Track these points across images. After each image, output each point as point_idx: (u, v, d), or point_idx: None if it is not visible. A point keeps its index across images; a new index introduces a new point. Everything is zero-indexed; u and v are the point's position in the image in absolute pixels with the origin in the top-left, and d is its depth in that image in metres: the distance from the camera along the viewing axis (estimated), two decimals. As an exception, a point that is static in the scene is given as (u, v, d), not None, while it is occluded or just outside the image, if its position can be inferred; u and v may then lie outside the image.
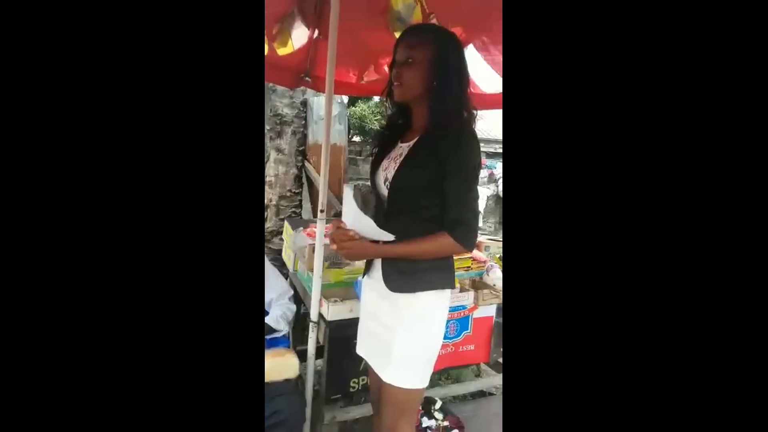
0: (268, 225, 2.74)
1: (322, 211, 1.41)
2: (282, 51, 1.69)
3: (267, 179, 2.75)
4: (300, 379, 1.44)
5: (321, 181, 1.45)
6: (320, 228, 1.38)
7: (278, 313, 1.49)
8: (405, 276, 1.01)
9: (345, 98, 3.77)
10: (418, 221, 0.98)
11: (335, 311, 1.46)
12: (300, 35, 1.71)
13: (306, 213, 2.89)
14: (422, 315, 1.02)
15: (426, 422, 1.61)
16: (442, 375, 2.02)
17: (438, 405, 1.68)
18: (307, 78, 1.96)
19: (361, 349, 1.16)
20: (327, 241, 1.25)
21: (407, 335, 1.02)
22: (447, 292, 1.05)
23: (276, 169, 2.73)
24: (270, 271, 1.58)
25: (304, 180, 2.86)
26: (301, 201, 2.87)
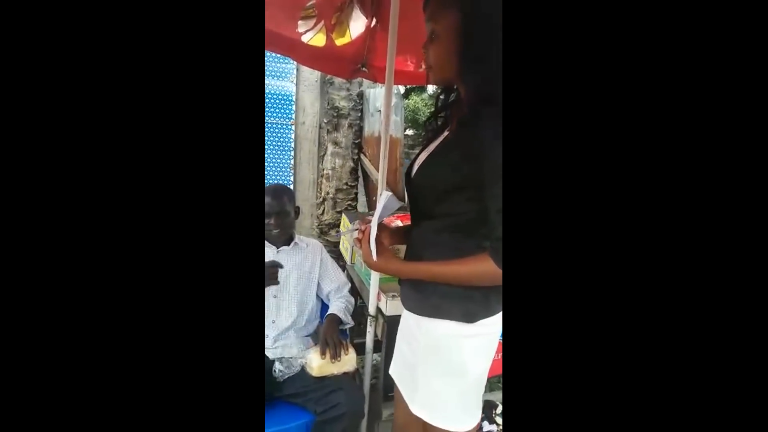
0: (325, 217, 2.77)
1: (380, 204, 1.37)
2: (340, 41, 1.67)
3: (324, 172, 2.77)
4: (358, 373, 1.43)
5: (380, 171, 1.41)
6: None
7: (341, 306, 1.48)
8: (419, 294, 0.83)
9: (402, 89, 3.72)
10: (440, 231, 0.80)
11: (393, 306, 1.43)
12: (358, 24, 1.68)
13: (361, 206, 2.88)
14: (442, 346, 0.82)
15: (487, 426, 1.54)
16: (501, 378, 1.93)
17: (499, 409, 1.60)
18: (364, 68, 1.93)
19: (392, 370, 0.99)
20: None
21: (429, 365, 0.84)
22: (477, 326, 0.80)
23: (333, 162, 2.75)
24: (328, 262, 1.57)
25: (359, 173, 2.86)
26: (356, 194, 2.87)
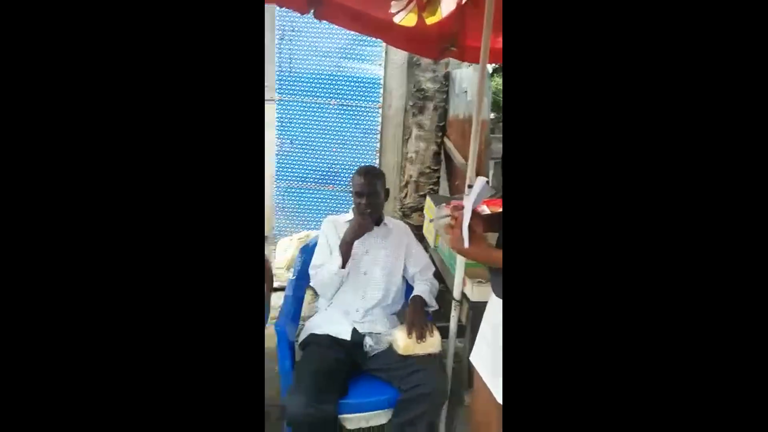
0: (408, 201, 2.79)
1: (470, 187, 1.34)
2: (430, 20, 1.63)
3: (408, 155, 2.78)
4: (440, 356, 1.43)
5: (471, 155, 1.37)
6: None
7: (426, 288, 1.49)
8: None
9: (490, 68, 3.56)
10: None
11: (479, 292, 1.40)
12: (449, 2, 1.63)
13: (443, 190, 2.85)
14: None
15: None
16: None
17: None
18: (452, 48, 1.88)
19: (474, 356, 0.99)
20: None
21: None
22: None
23: (417, 146, 2.74)
24: (414, 244, 1.59)
25: (442, 157, 2.82)
26: (438, 178, 2.84)
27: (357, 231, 1.39)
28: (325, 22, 1.58)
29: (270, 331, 1.48)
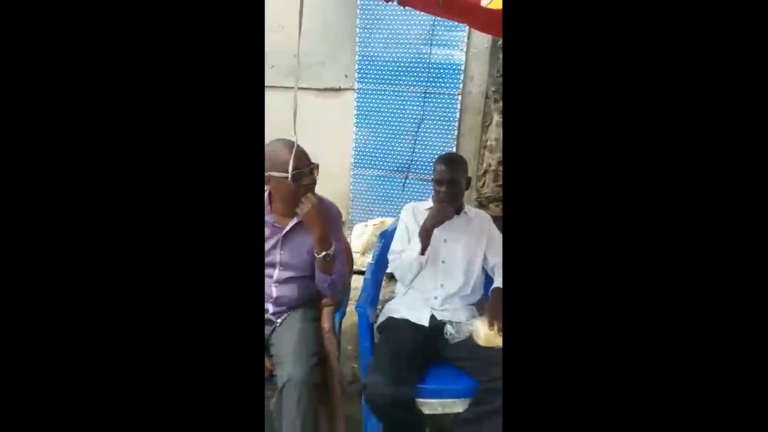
0: (485, 190, 2.71)
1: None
2: (493, 5, 1.56)
3: (487, 143, 2.70)
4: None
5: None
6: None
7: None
8: None
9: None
10: None
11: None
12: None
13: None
14: None
15: None
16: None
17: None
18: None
19: None
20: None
21: None
22: None
23: (497, 133, 2.65)
24: (495, 235, 1.55)
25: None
26: (519, 167, 2.72)
27: (437, 218, 1.38)
28: (408, 8, 1.57)
29: (342, 312, 1.54)
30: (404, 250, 1.46)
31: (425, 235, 1.39)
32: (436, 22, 2.55)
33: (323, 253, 1.27)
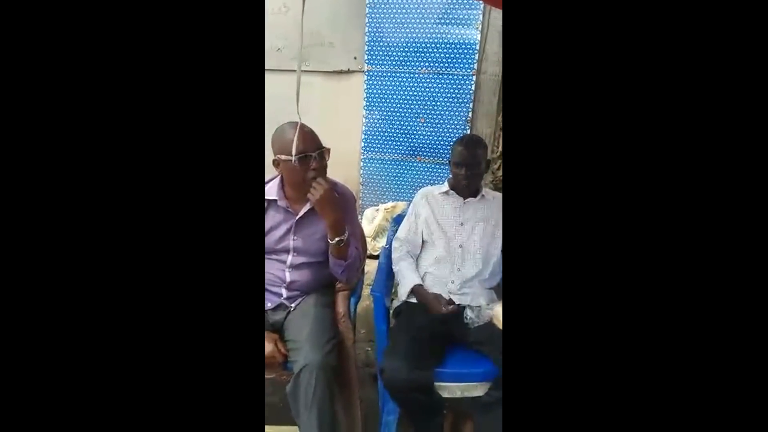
0: (501, 173, 2.66)
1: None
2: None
3: (502, 126, 2.63)
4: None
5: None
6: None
7: None
8: None
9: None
10: None
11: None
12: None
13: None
14: None
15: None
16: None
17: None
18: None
19: None
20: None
21: None
22: None
23: (511, 115, 2.58)
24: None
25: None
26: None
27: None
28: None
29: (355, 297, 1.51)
30: (408, 239, 1.47)
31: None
32: (449, 0, 2.47)
33: (337, 239, 1.24)
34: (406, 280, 1.41)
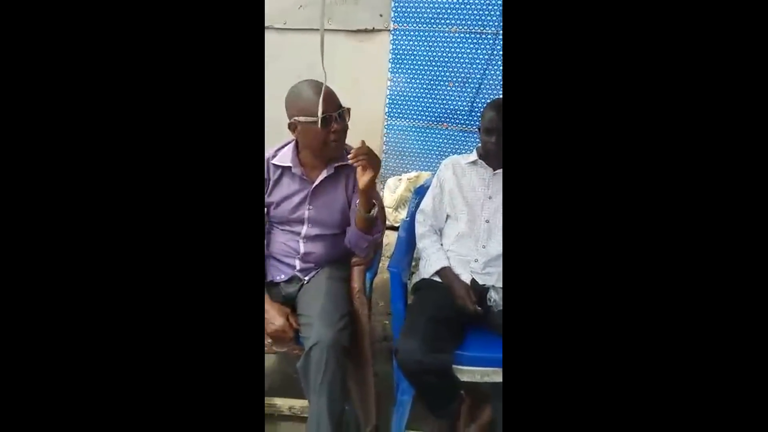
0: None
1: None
2: None
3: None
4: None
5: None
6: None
7: None
8: None
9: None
10: None
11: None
12: None
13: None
14: None
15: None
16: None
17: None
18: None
19: None
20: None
21: None
22: None
23: (548, 79, 2.38)
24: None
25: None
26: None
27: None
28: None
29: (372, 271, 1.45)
30: (433, 212, 1.38)
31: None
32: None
33: (371, 211, 1.16)
34: (432, 260, 1.32)
